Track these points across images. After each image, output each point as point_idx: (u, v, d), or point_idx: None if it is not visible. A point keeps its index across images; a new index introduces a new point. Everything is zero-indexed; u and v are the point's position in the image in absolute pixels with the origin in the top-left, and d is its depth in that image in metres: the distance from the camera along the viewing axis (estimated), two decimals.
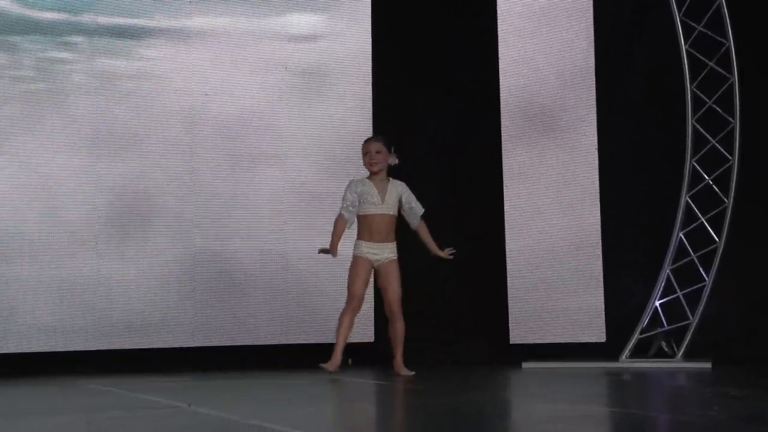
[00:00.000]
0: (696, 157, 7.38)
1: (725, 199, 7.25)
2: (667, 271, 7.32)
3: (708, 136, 7.34)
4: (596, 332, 7.67)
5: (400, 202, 6.68)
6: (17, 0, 7.22)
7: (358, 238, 6.65)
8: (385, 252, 6.64)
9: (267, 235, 7.55)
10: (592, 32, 7.84)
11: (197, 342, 7.39)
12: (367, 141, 6.72)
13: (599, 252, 7.74)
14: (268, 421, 4.53)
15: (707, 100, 7.35)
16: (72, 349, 7.18)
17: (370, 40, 7.84)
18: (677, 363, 7.11)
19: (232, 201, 7.52)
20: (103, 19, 7.40)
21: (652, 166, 7.87)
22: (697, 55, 7.38)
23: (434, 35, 8.03)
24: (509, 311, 7.74)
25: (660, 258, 7.36)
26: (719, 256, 7.21)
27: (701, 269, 7.25)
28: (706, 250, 7.26)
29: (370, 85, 7.81)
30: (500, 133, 7.84)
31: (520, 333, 7.72)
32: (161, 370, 7.07)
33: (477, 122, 8.06)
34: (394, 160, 6.68)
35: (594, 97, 7.83)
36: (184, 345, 7.37)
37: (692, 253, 7.29)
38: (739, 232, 7.28)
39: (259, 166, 7.50)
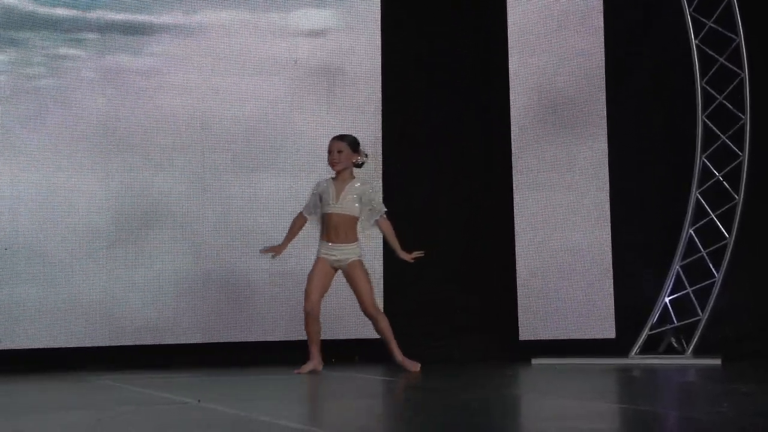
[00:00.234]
0: (706, 153, 7.37)
1: (735, 195, 7.24)
2: (677, 267, 7.31)
3: (718, 132, 7.32)
4: (606, 328, 7.66)
5: (361, 201, 6.62)
6: None
7: (319, 238, 6.69)
8: (345, 253, 6.62)
9: (277, 232, 7.54)
10: (602, 29, 7.83)
11: (207, 338, 7.40)
12: (331, 140, 6.71)
13: (609, 248, 7.73)
14: (278, 417, 4.54)
15: (717, 96, 7.33)
16: (83, 345, 7.20)
17: (379, 35, 7.83)
18: (687, 359, 7.10)
19: (242, 198, 7.53)
20: (113, 16, 7.41)
21: (662, 162, 7.85)
22: (708, 50, 7.36)
23: (444, 31, 8.03)
24: (518, 307, 7.73)
25: (670, 254, 7.35)
26: (729, 252, 7.20)
27: (711, 265, 7.24)
28: (717, 246, 7.25)
29: (380, 82, 7.80)
30: (509, 128, 7.83)
31: (529, 329, 7.72)
32: (171, 367, 7.08)
33: (486, 118, 8.05)
34: (360, 160, 6.68)
35: (604, 92, 7.82)
36: (194, 341, 7.38)
37: (702, 249, 7.28)
38: (749, 228, 7.26)
39: (268, 163, 7.50)
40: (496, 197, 7.89)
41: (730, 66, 7.29)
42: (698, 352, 7.15)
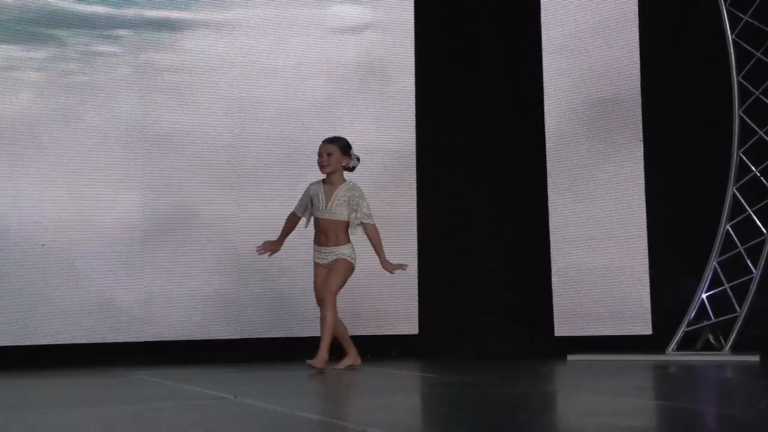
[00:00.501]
0: (743, 149, 7.31)
1: None
2: (714, 263, 7.26)
3: (755, 126, 7.26)
4: (642, 324, 7.61)
5: (350, 206, 6.55)
6: None
7: (313, 241, 6.67)
8: (334, 255, 6.56)
9: (311, 228, 7.56)
10: (637, 25, 7.77)
11: (243, 334, 7.42)
12: (321, 143, 6.65)
13: (645, 244, 7.68)
14: (315, 413, 4.55)
15: (754, 91, 7.27)
16: (119, 341, 7.24)
17: (413, 31, 7.82)
18: (724, 356, 7.04)
19: (277, 193, 7.52)
20: (149, 12, 7.44)
21: (698, 157, 7.80)
22: (744, 45, 7.30)
23: (478, 27, 8.00)
24: (554, 303, 7.70)
25: (707, 250, 7.29)
26: (767, 247, 7.13)
27: (749, 261, 7.18)
28: (754, 242, 7.19)
29: (413, 77, 7.79)
30: (544, 124, 7.80)
31: (565, 325, 7.69)
32: (206, 362, 7.11)
33: (520, 115, 8.02)
34: (351, 163, 6.61)
35: (639, 87, 7.77)
36: (230, 337, 7.40)
37: (739, 245, 7.22)
38: None
39: (302, 160, 7.48)
40: (532, 193, 7.86)
41: (767, 60, 7.22)
42: (736, 349, 7.09)
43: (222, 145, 7.51)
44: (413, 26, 7.82)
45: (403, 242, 7.66)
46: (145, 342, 7.29)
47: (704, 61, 7.81)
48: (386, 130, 7.73)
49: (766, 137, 7.22)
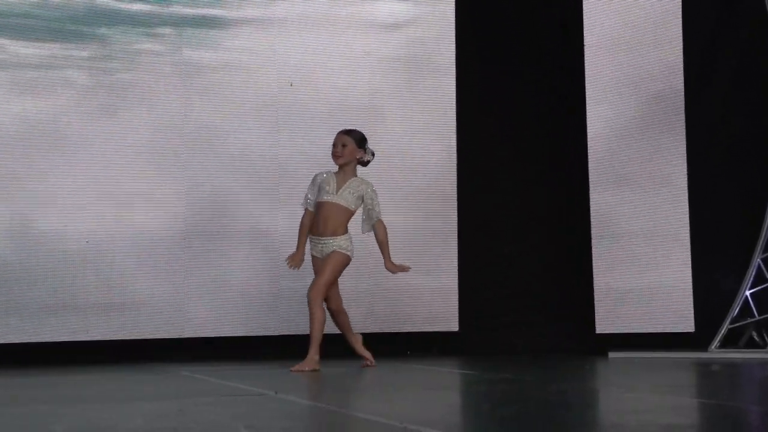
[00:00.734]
0: None
1: None
2: (758, 260, 7.19)
3: None
4: (685, 322, 7.56)
5: (363, 201, 6.44)
6: None
7: (309, 231, 6.50)
8: (328, 247, 6.40)
9: (353, 225, 7.56)
10: (680, 21, 7.72)
11: (283, 330, 7.44)
12: (337, 134, 6.55)
13: (688, 240, 7.63)
14: (355, 409, 4.56)
15: None
16: (161, 337, 7.29)
17: (453, 27, 7.81)
18: None
19: None
20: (190, 10, 7.48)
21: (741, 154, 7.73)
22: None
23: (518, 23, 7.98)
24: (595, 300, 7.67)
25: (751, 247, 7.23)
26: None
27: None
28: None
29: (454, 74, 7.77)
30: (586, 121, 7.76)
31: (606, 322, 7.65)
32: (248, 358, 7.14)
33: (563, 110, 7.98)
34: (366, 158, 6.50)
35: (682, 81, 7.72)
36: (271, 333, 7.43)
37: None
38: None
39: None
40: (574, 190, 7.83)
41: None
42: None
43: (264, 143, 7.52)
44: (454, 23, 7.80)
45: (443, 239, 7.67)
46: (186, 338, 7.33)
47: (747, 58, 7.74)
48: (427, 129, 7.72)
49: None
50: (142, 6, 7.41)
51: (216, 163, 7.44)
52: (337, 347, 7.19)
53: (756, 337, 7.17)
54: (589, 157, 7.75)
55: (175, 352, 7.23)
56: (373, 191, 6.48)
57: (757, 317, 7.17)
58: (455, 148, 7.76)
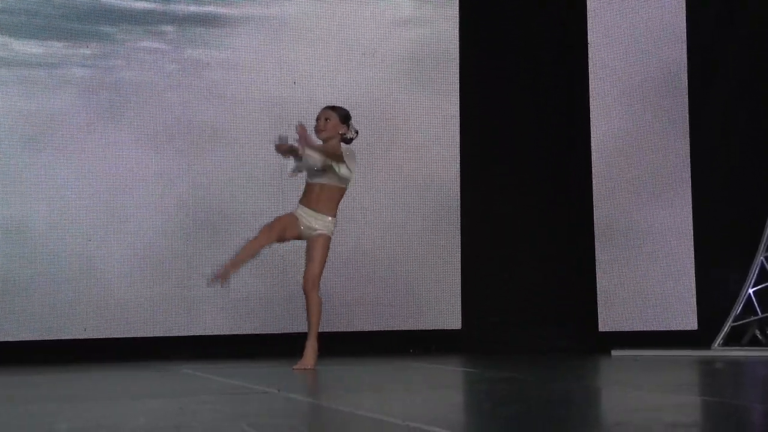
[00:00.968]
0: None
1: None
2: (761, 258, 7.19)
3: None
4: (688, 320, 7.56)
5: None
6: None
7: (298, 203, 6.39)
8: (318, 223, 6.29)
9: (357, 222, 7.56)
10: (684, 20, 7.71)
11: (286, 328, 7.44)
12: (321, 108, 6.41)
13: (691, 238, 7.62)
14: (357, 407, 4.56)
15: None
16: (163, 335, 7.29)
17: (458, 26, 7.80)
18: None
19: None
20: (194, 8, 7.47)
21: (745, 151, 7.72)
22: None
23: (523, 21, 7.97)
24: (598, 298, 7.67)
25: (754, 244, 7.23)
26: None
27: None
28: None
29: (458, 72, 7.77)
30: (590, 121, 7.75)
31: (609, 320, 7.64)
32: (252, 356, 7.14)
33: (566, 112, 7.98)
34: (349, 134, 6.34)
35: (686, 81, 7.71)
36: (273, 331, 7.43)
37: None
38: None
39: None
40: (576, 187, 7.83)
41: None
42: None
43: (267, 141, 7.51)
44: (458, 21, 7.79)
45: (446, 237, 7.66)
46: (188, 336, 7.33)
47: (752, 54, 7.73)
48: (431, 127, 7.72)
49: None
50: (145, 4, 7.41)
51: (219, 161, 7.44)
52: (340, 345, 7.20)
53: (759, 335, 7.16)
54: (592, 156, 7.74)
55: (177, 350, 7.23)
56: (351, 155, 6.29)
57: (760, 315, 7.16)
58: (458, 147, 7.75)
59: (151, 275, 7.28)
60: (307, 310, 6.29)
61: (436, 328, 7.68)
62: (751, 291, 7.20)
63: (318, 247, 6.30)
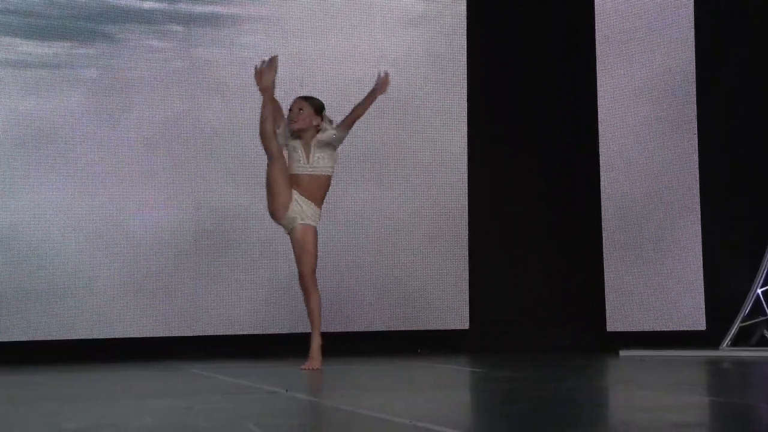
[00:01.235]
0: None
1: None
2: None
3: None
4: (696, 320, 7.54)
5: (332, 143, 6.21)
6: None
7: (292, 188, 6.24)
8: (309, 211, 6.20)
9: (367, 222, 7.56)
10: (693, 17, 7.70)
11: (293, 328, 7.44)
12: (295, 99, 6.35)
13: (699, 238, 7.60)
14: (362, 407, 4.56)
15: None
16: (171, 335, 7.30)
17: (465, 25, 7.79)
18: None
19: (333, 193, 7.51)
20: (200, 8, 7.48)
21: (753, 150, 7.70)
22: None
23: (530, 20, 7.96)
24: (606, 298, 7.65)
25: (762, 244, 7.21)
26: None
27: None
28: None
29: (465, 72, 7.76)
30: (597, 120, 7.74)
31: (617, 320, 7.63)
32: (258, 356, 7.15)
33: (573, 110, 7.97)
34: (323, 125, 6.25)
35: (694, 80, 7.69)
36: (281, 331, 7.43)
37: None
38: None
39: (355, 155, 7.47)
40: (584, 187, 7.82)
41: None
42: None
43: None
44: (465, 20, 7.79)
45: (454, 236, 7.65)
46: (196, 336, 7.34)
47: (760, 52, 7.71)
48: (438, 126, 7.71)
49: None
50: (151, 3, 7.41)
51: (226, 160, 7.44)
52: (347, 345, 7.20)
53: (767, 336, 7.14)
54: (600, 154, 7.73)
55: (185, 349, 7.23)
56: (328, 131, 6.21)
57: None
58: (466, 146, 7.75)
59: (160, 275, 7.28)
60: (308, 307, 6.23)
61: (444, 328, 7.67)
62: (759, 291, 7.18)
63: (310, 241, 6.20)
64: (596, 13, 7.77)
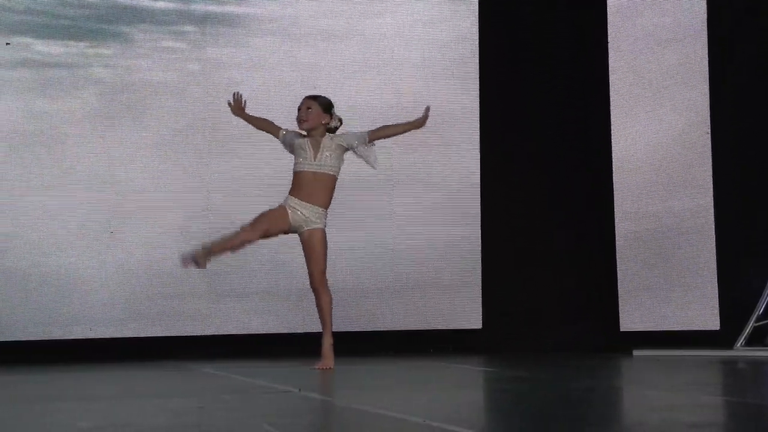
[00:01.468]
0: None
1: None
2: None
3: None
4: (710, 320, 7.52)
5: (345, 148, 6.16)
6: None
7: (288, 194, 6.22)
8: (312, 215, 6.15)
9: (383, 225, 7.56)
10: (705, 10, 7.69)
11: (306, 327, 7.45)
12: (303, 98, 6.31)
13: (713, 237, 7.58)
14: (376, 407, 4.56)
15: None
16: (184, 334, 7.31)
17: (477, 26, 7.80)
18: None
19: (340, 194, 7.52)
20: (214, 8, 7.49)
21: (767, 147, 7.68)
22: None
23: (541, 17, 7.96)
24: (619, 298, 7.64)
25: None
26: None
27: None
28: None
29: (477, 75, 7.76)
30: (610, 119, 7.73)
31: (630, 320, 7.62)
32: (271, 356, 7.16)
33: (586, 111, 7.96)
34: (333, 123, 6.21)
35: (707, 76, 7.67)
36: (294, 331, 7.44)
37: None
38: None
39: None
40: (597, 187, 7.81)
41: None
42: None
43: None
44: (477, 25, 7.79)
45: (467, 236, 7.66)
46: (209, 336, 7.35)
47: None
48: (450, 129, 7.71)
49: None
50: (165, 4, 7.43)
51: (240, 161, 7.46)
52: (360, 345, 7.21)
53: None
54: (613, 153, 7.73)
55: (198, 349, 7.25)
56: (345, 136, 6.19)
57: None
58: (479, 145, 7.75)
59: (174, 274, 7.29)
60: (319, 307, 6.23)
61: (457, 327, 7.67)
62: None
63: (318, 242, 6.17)
64: (609, 12, 7.76)
